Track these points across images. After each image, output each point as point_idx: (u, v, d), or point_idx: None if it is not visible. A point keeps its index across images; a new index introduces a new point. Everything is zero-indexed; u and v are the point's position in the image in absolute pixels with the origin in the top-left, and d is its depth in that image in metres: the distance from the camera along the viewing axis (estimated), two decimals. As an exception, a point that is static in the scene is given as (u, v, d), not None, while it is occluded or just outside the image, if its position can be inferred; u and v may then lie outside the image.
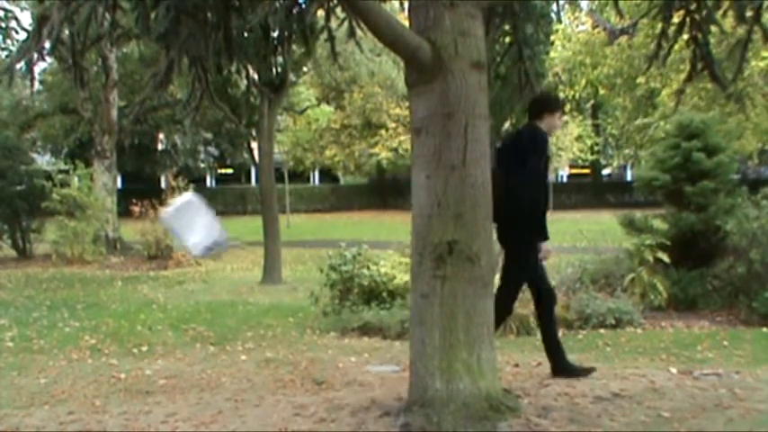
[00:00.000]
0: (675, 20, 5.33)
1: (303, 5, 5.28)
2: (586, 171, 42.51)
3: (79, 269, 15.76)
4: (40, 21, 4.53)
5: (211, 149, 36.94)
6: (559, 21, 26.04)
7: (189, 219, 4.48)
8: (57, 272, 15.27)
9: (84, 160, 18.92)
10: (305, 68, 18.55)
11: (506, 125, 36.41)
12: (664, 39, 5.35)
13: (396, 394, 4.58)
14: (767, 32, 5.09)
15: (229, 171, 42.49)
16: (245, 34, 5.39)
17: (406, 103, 17.01)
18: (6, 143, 18.69)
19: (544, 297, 5.19)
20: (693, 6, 5.12)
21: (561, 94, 26.42)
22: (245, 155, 32.72)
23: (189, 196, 4.83)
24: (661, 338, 7.39)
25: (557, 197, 33.09)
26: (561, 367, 5.10)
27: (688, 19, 5.17)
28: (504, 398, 4.04)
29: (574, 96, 26.31)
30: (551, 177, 37.45)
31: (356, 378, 5.62)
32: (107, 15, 4.98)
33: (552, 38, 24.87)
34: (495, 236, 4.64)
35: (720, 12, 5.18)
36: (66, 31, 5.05)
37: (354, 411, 4.27)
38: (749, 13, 4.99)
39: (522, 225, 4.81)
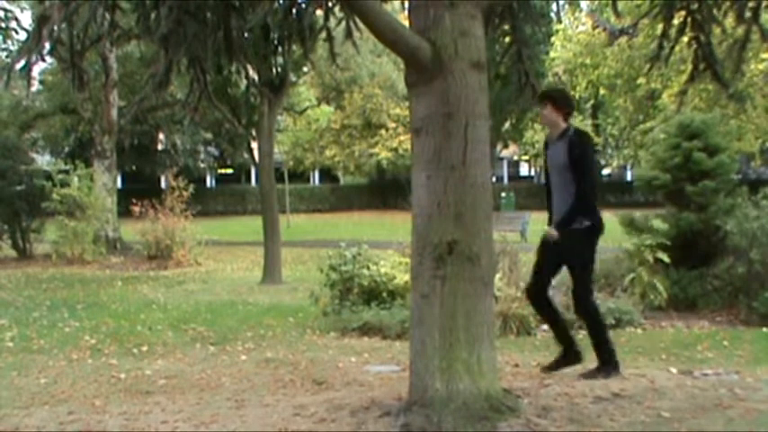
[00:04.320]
0: (676, 20, 5.32)
1: (302, 5, 5.28)
2: (586, 171, 42.44)
3: (79, 269, 15.76)
4: (40, 21, 4.52)
5: (211, 149, 36.96)
6: (559, 21, 26.06)
7: None
8: (57, 272, 15.28)
9: (84, 160, 18.93)
10: (305, 68, 18.56)
11: (506, 125, 36.39)
12: (665, 39, 5.35)
13: (396, 394, 4.58)
14: (765, 32, 5.09)
15: (229, 171, 42.52)
16: (246, 34, 5.38)
17: (406, 103, 17.03)
18: (6, 143, 18.70)
19: None
20: (695, 6, 5.12)
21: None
22: (245, 155, 32.72)
23: None
24: (661, 338, 7.39)
25: (557, 197, 33.06)
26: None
27: (689, 19, 5.16)
28: (504, 398, 4.04)
29: (574, 97, 26.31)
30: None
31: (356, 378, 5.62)
32: (106, 16, 4.98)
33: (552, 38, 24.93)
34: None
35: (722, 11, 5.17)
36: (66, 32, 5.04)
37: (354, 411, 4.27)
38: (748, 14, 4.98)
39: None
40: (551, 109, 4.95)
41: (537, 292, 5.18)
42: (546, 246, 5.08)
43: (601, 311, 5.30)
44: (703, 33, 5.18)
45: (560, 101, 5.03)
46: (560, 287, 8.81)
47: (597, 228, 4.98)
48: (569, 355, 5.11)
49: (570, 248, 4.93)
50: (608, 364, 4.97)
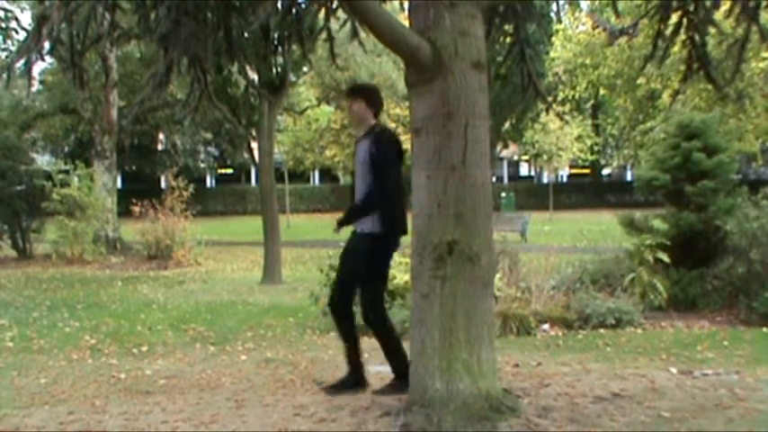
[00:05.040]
0: (673, 20, 5.32)
1: (302, 6, 5.28)
2: (586, 171, 42.56)
3: (79, 269, 15.76)
4: (40, 21, 4.52)
5: (211, 149, 37.00)
6: (559, 21, 26.07)
7: None
8: (57, 272, 15.27)
9: (84, 160, 18.93)
10: (305, 68, 18.54)
11: (506, 125, 36.35)
12: (661, 39, 5.35)
13: (396, 394, 4.58)
14: (764, 32, 5.09)
15: (229, 171, 42.54)
16: (245, 34, 5.39)
17: (406, 103, 17.03)
18: (6, 143, 18.69)
19: None
20: (691, 7, 5.12)
21: (561, 94, 26.50)
22: (245, 155, 32.69)
23: None
24: (661, 338, 7.39)
25: (557, 197, 33.14)
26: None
27: (685, 20, 5.16)
28: (504, 398, 4.04)
29: (574, 96, 26.33)
30: (551, 177, 37.49)
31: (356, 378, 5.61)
32: (107, 15, 4.98)
33: (552, 38, 24.94)
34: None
35: (720, 12, 5.18)
36: (66, 32, 5.04)
37: (354, 411, 4.27)
38: (748, 13, 4.98)
39: None
40: (364, 105, 4.74)
41: (340, 303, 4.94)
42: (344, 252, 4.86)
43: (389, 323, 4.98)
44: (698, 34, 5.18)
45: (373, 98, 4.82)
46: (560, 287, 8.83)
47: (383, 237, 4.66)
48: (350, 380, 4.91)
49: (355, 254, 4.68)
50: (404, 376, 4.57)
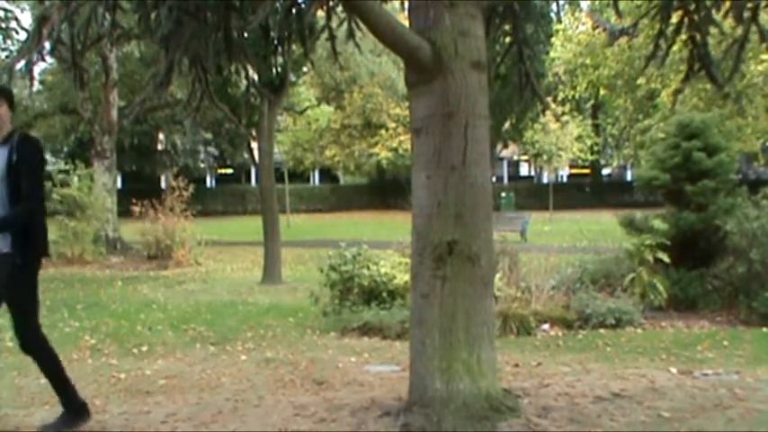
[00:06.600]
0: (674, 20, 5.33)
1: (302, 5, 5.28)
2: (586, 171, 42.56)
3: (79, 269, 15.76)
4: (41, 21, 4.53)
5: (211, 149, 37.00)
6: (559, 21, 26.07)
7: None
8: (57, 272, 15.26)
9: (84, 160, 18.92)
10: (305, 68, 18.55)
11: (506, 125, 36.25)
12: (662, 39, 5.35)
13: (396, 394, 4.59)
14: (764, 33, 5.09)
15: (229, 171, 42.56)
16: (245, 34, 5.39)
17: (406, 103, 17.03)
18: (6, 143, 18.65)
19: None
20: (692, 7, 5.13)
21: (561, 94, 26.49)
22: (245, 155, 32.75)
23: None
24: (661, 338, 7.39)
25: (557, 197, 33.12)
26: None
27: (686, 19, 5.17)
28: (504, 398, 4.05)
29: (574, 96, 26.33)
30: (551, 177, 37.46)
31: (356, 378, 5.62)
32: (107, 16, 4.98)
33: (552, 38, 24.95)
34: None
35: (721, 12, 5.18)
36: (67, 32, 5.04)
37: (354, 411, 4.27)
38: (747, 14, 4.98)
39: None
40: (6, 108, 4.24)
41: (22, 336, 4.23)
42: None
43: (51, 349, 4.31)
44: (700, 33, 5.18)
45: (13, 100, 4.37)
46: (560, 287, 8.83)
47: (28, 259, 4.14)
48: (73, 410, 4.31)
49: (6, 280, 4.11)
50: (71, 409, 4.29)
